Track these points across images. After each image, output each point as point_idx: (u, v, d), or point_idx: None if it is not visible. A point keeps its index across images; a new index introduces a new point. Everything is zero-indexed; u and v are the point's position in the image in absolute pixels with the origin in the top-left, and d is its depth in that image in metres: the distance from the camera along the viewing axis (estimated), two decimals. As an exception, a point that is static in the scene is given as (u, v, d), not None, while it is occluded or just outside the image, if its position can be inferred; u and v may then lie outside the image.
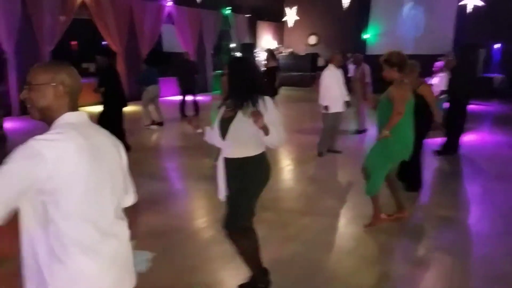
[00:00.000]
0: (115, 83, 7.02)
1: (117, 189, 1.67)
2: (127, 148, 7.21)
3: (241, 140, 2.76)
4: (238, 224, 2.89)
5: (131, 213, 1.80)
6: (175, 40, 15.99)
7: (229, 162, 2.84)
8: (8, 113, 10.31)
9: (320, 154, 7.22)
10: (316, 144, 7.37)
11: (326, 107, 6.90)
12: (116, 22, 13.02)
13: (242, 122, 2.70)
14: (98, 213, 1.56)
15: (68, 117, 1.58)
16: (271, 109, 2.70)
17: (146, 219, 4.44)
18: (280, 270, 3.40)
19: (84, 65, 13.66)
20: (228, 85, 2.83)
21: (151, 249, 1.91)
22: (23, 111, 10.74)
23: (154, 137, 9.30)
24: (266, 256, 3.26)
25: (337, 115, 7.05)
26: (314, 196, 5.42)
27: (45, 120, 1.60)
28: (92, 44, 15.03)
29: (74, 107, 1.62)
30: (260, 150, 2.84)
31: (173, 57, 15.74)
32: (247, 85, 2.75)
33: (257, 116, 2.51)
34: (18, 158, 1.40)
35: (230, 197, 2.89)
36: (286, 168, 6.81)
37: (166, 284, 3.31)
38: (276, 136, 2.64)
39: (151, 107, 9.82)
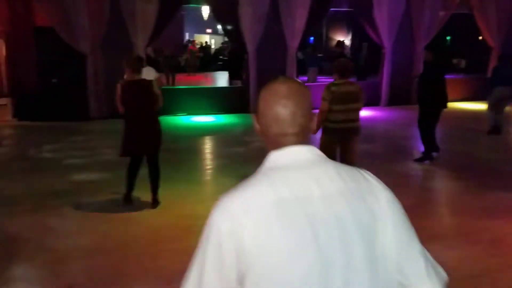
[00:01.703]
0: (436, 81, 6.43)
1: (362, 270, 1.01)
2: (435, 150, 6.60)
3: None
4: None
5: None
6: None
7: None
8: (376, 103, 11.63)
9: None
10: None
11: None
12: (497, 15, 12.13)
13: None
14: None
15: (273, 158, 1.10)
16: None
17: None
18: None
19: (455, 61, 13.56)
20: None
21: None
22: (391, 102, 11.82)
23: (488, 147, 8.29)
24: None
25: None
26: None
27: None
28: (466, 39, 14.64)
29: (285, 142, 1.10)
30: None
31: None
32: None
33: None
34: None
35: None
36: None
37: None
38: None
39: (495, 113, 8.43)
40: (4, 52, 10.46)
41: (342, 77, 4.65)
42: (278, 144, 1.11)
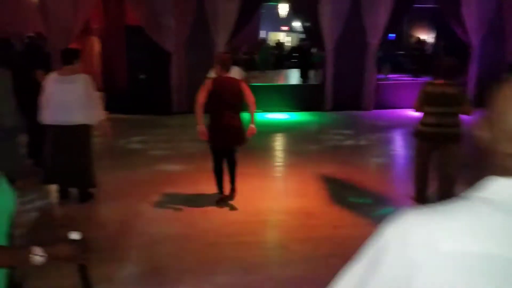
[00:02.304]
0: None
1: None
2: None
3: None
4: None
5: None
6: None
7: None
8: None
9: None
10: None
11: None
12: None
13: None
14: None
15: (496, 188, 0.76)
16: None
17: None
18: None
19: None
20: None
21: None
22: (478, 103, 11.11)
23: None
24: None
25: None
26: None
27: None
28: None
29: None
30: None
31: None
32: None
33: None
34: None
35: None
36: None
37: None
38: None
39: None
40: (98, 49, 11.37)
41: (441, 78, 4.30)
42: (509, 170, 0.75)
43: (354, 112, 10.64)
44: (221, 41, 9.98)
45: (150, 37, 9.70)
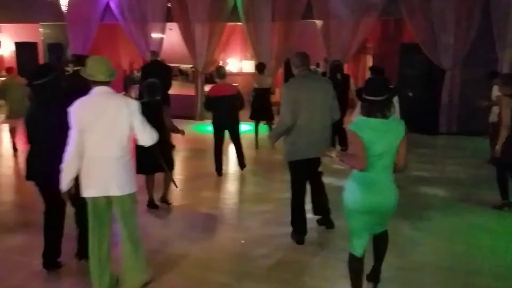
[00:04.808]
0: None
1: None
2: None
3: None
4: None
5: None
6: None
7: None
8: None
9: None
10: None
11: None
12: None
13: None
14: None
15: None
16: None
17: None
18: None
19: None
20: None
21: None
22: None
23: None
24: None
25: None
26: None
27: None
28: None
29: None
30: None
31: None
32: None
33: None
34: None
35: None
36: None
37: None
38: None
39: None
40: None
41: None
42: None
43: None
44: (507, 58, 8.88)
45: (424, 54, 9.47)
